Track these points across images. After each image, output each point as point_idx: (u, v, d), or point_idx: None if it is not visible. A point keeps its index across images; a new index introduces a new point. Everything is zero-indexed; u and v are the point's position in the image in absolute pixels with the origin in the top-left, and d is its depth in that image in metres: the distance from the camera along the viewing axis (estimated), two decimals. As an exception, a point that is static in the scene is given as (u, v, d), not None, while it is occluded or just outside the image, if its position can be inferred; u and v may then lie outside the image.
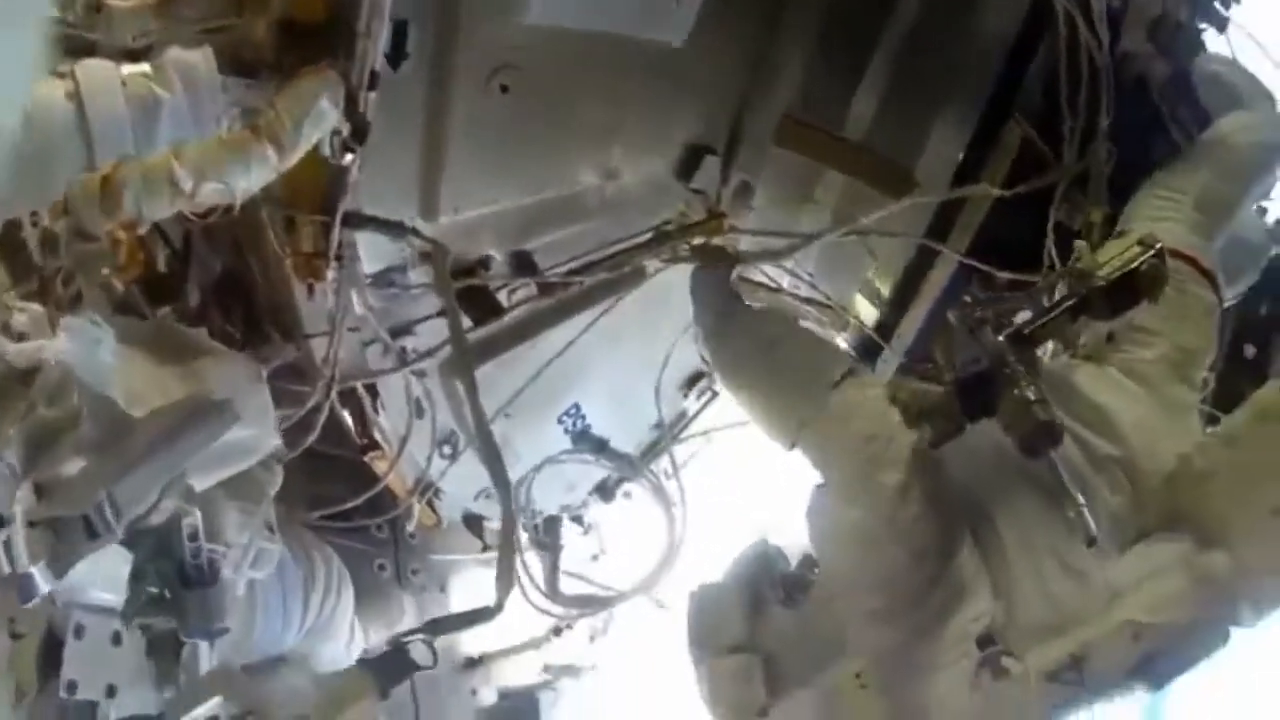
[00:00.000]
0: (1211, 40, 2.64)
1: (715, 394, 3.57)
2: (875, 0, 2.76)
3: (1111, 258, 2.09)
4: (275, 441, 2.02)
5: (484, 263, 2.73)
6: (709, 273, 2.84)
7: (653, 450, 3.58)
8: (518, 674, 3.39)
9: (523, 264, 2.80)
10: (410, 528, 3.04)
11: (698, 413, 3.59)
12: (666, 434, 3.47)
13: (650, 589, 3.50)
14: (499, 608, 2.06)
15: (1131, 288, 2.07)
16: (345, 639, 2.78)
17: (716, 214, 3.00)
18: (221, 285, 2.44)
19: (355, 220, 2.33)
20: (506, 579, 2.11)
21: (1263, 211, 2.77)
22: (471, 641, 3.30)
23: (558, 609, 3.40)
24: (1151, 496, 2.06)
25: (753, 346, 2.56)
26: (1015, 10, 2.58)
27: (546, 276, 2.79)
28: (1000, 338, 2.02)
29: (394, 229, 2.40)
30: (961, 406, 2.03)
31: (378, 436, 2.68)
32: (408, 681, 2.96)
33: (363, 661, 1.98)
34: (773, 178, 3.05)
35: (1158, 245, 2.07)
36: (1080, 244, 2.32)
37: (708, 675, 2.14)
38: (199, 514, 1.87)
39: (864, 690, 1.94)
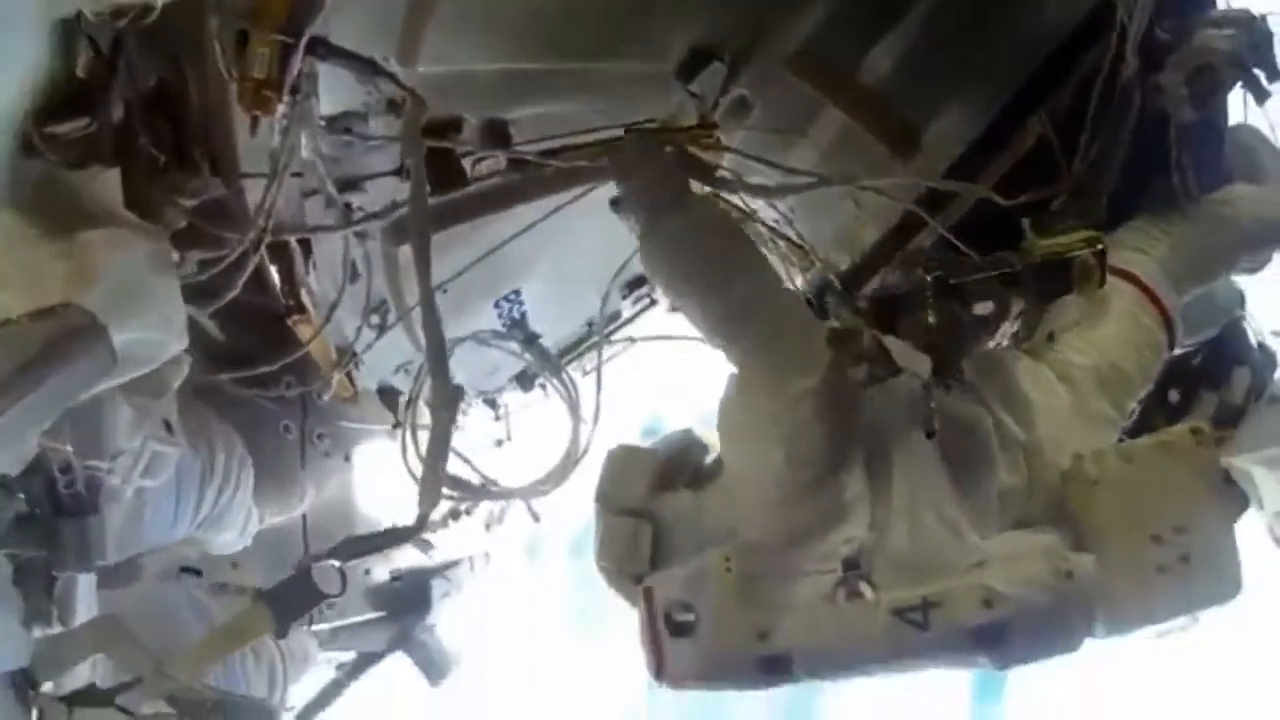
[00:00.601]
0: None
1: (653, 302, 3.41)
2: None
3: (1055, 243, 2.15)
4: (181, 346, 1.65)
5: (455, 124, 2.38)
6: (651, 152, 2.51)
7: (577, 347, 3.41)
8: (411, 556, 3.24)
9: (496, 134, 2.46)
10: (326, 397, 2.74)
11: (631, 318, 3.41)
12: (600, 332, 3.28)
13: (535, 495, 3.37)
14: (420, 524, 1.87)
15: (1063, 275, 2.15)
16: (240, 527, 2.52)
17: (709, 123, 2.74)
18: (151, 100, 1.97)
19: (323, 49, 1.92)
20: (432, 493, 1.90)
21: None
22: (366, 519, 3.12)
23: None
24: (1044, 489, 2.12)
25: (705, 247, 2.34)
26: (1075, 8, 2.40)
27: (519, 152, 2.46)
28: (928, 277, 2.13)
29: (368, 68, 2.01)
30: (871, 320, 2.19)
31: (304, 298, 2.35)
32: (300, 547, 2.82)
33: (261, 594, 1.72)
34: (772, 102, 2.77)
35: (1099, 246, 2.13)
36: (1027, 223, 2.27)
37: (602, 529, 2.19)
38: (70, 445, 1.50)
39: (728, 574, 1.95)
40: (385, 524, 3.18)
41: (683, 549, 2.11)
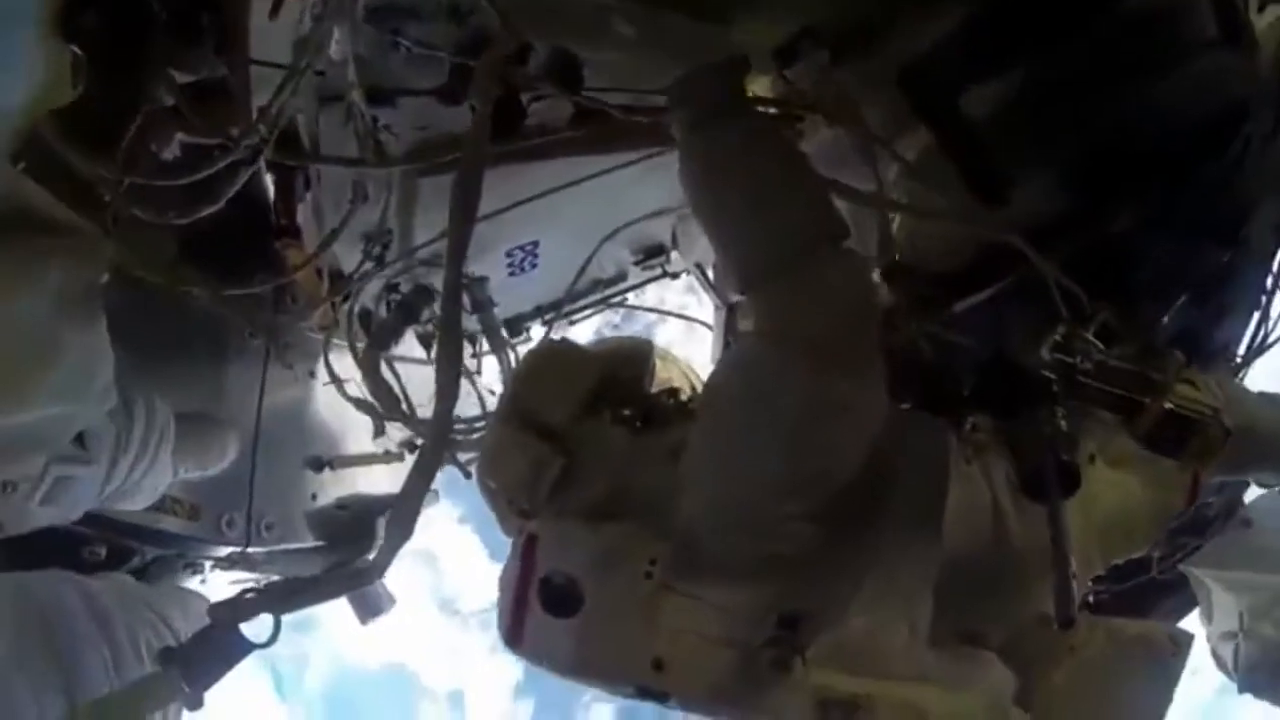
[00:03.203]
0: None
1: (665, 274, 2.96)
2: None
3: (1191, 397, 1.76)
4: (101, 410, 1.17)
5: (522, 54, 1.81)
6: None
7: (568, 299, 2.94)
8: (362, 485, 2.80)
9: (568, 72, 1.90)
10: (307, 323, 2.21)
11: (634, 286, 2.96)
12: (599, 290, 2.84)
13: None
14: (381, 568, 1.38)
15: (1179, 436, 1.75)
16: (149, 495, 2.02)
17: (802, 107, 2.25)
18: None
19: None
20: (406, 524, 1.39)
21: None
22: (321, 441, 2.66)
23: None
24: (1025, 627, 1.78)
25: (759, 166, 1.64)
26: (1206, 103, 2.01)
27: (594, 99, 1.91)
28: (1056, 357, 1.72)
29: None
30: (975, 391, 1.77)
31: (299, 218, 1.79)
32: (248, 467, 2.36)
33: (170, 654, 1.21)
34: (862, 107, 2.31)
35: (1227, 426, 1.75)
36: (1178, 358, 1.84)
37: (502, 441, 1.58)
38: None
39: (648, 580, 1.44)
40: (341, 440, 2.77)
41: (588, 499, 1.52)
